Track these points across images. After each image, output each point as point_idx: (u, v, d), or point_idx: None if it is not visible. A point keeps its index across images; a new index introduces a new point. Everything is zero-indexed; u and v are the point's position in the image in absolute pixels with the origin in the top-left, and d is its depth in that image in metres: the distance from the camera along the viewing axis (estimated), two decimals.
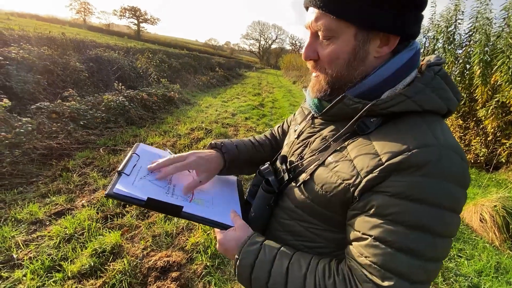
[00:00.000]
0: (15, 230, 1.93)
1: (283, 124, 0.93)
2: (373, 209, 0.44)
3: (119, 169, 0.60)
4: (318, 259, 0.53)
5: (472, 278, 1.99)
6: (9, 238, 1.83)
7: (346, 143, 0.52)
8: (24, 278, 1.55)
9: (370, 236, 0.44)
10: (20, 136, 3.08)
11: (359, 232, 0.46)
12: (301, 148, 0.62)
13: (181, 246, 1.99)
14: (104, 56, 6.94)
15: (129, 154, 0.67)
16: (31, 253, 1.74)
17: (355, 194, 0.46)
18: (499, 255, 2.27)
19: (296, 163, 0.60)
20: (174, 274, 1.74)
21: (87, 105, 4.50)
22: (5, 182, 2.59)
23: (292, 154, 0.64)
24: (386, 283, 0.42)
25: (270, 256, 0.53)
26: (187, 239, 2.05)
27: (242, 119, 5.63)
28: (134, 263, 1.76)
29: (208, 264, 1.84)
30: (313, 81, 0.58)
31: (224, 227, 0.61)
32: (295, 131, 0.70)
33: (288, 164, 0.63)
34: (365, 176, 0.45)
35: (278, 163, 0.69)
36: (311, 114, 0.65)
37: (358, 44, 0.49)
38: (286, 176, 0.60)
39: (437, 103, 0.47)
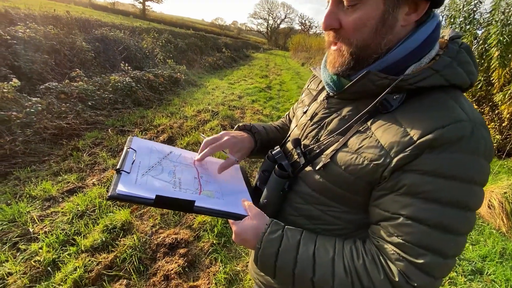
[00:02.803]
0: (30, 206, 2.01)
1: (289, 112, 0.92)
2: (403, 188, 0.44)
3: (117, 166, 0.55)
4: (342, 241, 0.52)
5: (476, 263, 2.00)
6: (25, 213, 1.91)
7: (368, 123, 0.50)
8: (40, 250, 1.63)
9: (402, 215, 0.44)
10: (31, 115, 3.13)
11: (388, 212, 0.46)
12: (316, 130, 0.60)
13: (189, 225, 2.05)
14: (110, 36, 6.84)
15: (124, 150, 0.62)
16: (46, 228, 1.82)
17: (384, 174, 0.45)
18: (506, 241, 2.26)
19: (312, 146, 0.59)
20: (181, 251, 1.80)
21: (94, 85, 4.50)
22: (19, 161, 2.68)
23: (306, 137, 0.62)
24: (420, 260, 0.42)
25: (294, 242, 0.52)
26: (194, 218, 2.10)
27: (248, 102, 5.57)
28: (144, 240, 1.83)
29: (214, 242, 1.89)
30: (333, 55, 0.53)
31: (238, 217, 0.58)
32: (304, 112, 0.68)
33: (302, 147, 0.61)
34: (395, 156, 0.44)
35: (288, 146, 0.68)
36: (326, 94, 0.62)
37: (388, 9, 0.45)
38: (302, 160, 0.58)
39: (463, 77, 0.46)
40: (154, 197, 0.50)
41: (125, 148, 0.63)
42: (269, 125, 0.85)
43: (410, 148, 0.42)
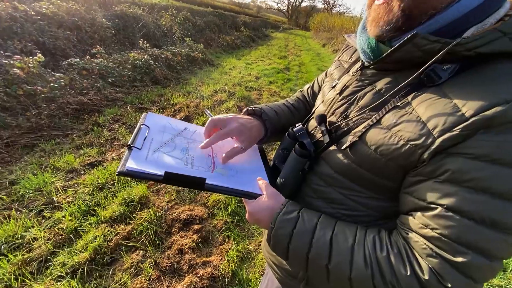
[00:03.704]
0: (55, 177, 2.11)
1: (313, 84, 0.83)
2: (446, 174, 0.38)
3: (129, 143, 0.54)
4: (365, 229, 0.48)
5: None
6: (50, 184, 2.00)
7: (409, 97, 0.43)
8: (63, 218, 1.72)
9: (441, 205, 0.38)
10: (55, 90, 3.22)
11: (424, 200, 0.40)
12: (345, 106, 0.54)
13: (203, 202, 2.08)
14: (129, 13, 6.81)
15: (137, 126, 0.61)
16: (69, 198, 1.91)
17: (423, 157, 0.39)
18: None
19: (339, 123, 0.53)
20: (196, 227, 1.84)
21: (114, 63, 4.55)
22: (44, 134, 2.79)
23: (333, 113, 0.56)
24: (459, 259, 0.36)
25: (310, 225, 0.48)
26: (209, 196, 2.13)
27: (266, 83, 5.43)
28: (159, 214, 1.88)
29: (228, 220, 1.91)
30: (377, 11, 0.45)
31: (253, 196, 0.56)
32: (332, 87, 0.61)
33: (328, 124, 0.55)
34: (439, 135, 0.37)
35: (312, 124, 0.62)
36: (359, 64, 0.55)
37: None
38: (326, 139, 0.53)
39: None
40: (163, 173, 0.48)
41: (139, 124, 0.62)
42: (282, 108, 0.77)
43: (460, 126, 0.35)
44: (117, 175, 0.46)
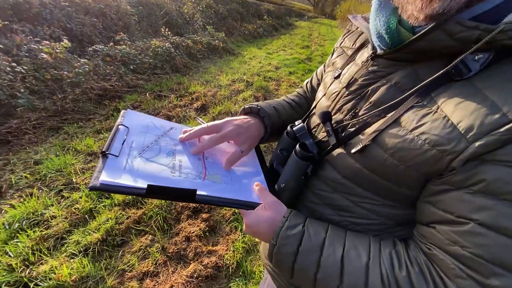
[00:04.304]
0: (75, 159, 2.21)
1: (311, 79, 0.76)
2: (481, 185, 0.33)
3: (103, 148, 0.46)
4: (378, 242, 0.43)
5: None
6: (70, 165, 2.10)
7: (433, 93, 0.37)
8: (80, 199, 1.80)
9: (473, 220, 0.33)
10: (80, 76, 3.35)
11: (451, 213, 0.35)
12: (353, 102, 0.47)
13: None
14: (153, 0, 6.88)
15: (115, 127, 0.53)
16: (86, 180, 2.00)
17: (452, 164, 0.34)
18: None
19: (346, 122, 0.47)
20: (204, 215, 1.85)
21: (136, 50, 4.64)
22: (68, 117, 2.93)
23: (339, 110, 0.49)
24: (494, 281, 0.32)
25: (317, 241, 0.43)
26: None
27: (285, 73, 5.30)
28: (169, 201, 1.92)
29: (236, 211, 1.91)
30: None
31: (250, 205, 0.49)
32: (335, 77, 0.54)
33: (333, 123, 0.49)
34: (475, 140, 0.32)
35: (313, 121, 0.55)
36: (370, 52, 0.48)
37: None
38: (332, 140, 0.47)
39: None
40: (145, 186, 0.41)
41: (116, 124, 0.53)
42: (282, 103, 0.71)
43: (501, 130, 0.30)
44: (89, 190, 0.41)
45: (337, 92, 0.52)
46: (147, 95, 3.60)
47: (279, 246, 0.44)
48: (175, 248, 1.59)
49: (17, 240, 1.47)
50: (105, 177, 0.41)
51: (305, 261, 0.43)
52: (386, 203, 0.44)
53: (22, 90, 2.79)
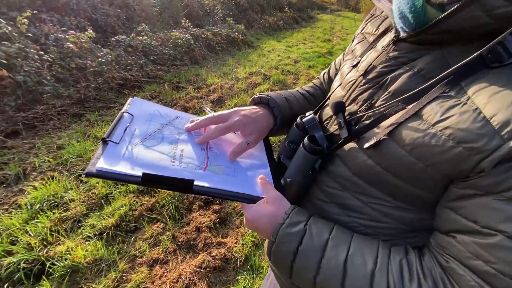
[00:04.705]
0: (94, 145, 2.28)
1: (329, 69, 0.71)
2: None
3: (104, 135, 0.45)
4: (388, 248, 0.39)
5: None
6: (90, 151, 2.18)
7: (463, 82, 0.32)
8: (97, 184, 1.86)
9: (502, 232, 0.29)
10: (102, 65, 3.45)
11: (476, 222, 0.31)
12: (370, 91, 0.43)
13: None
14: None
15: (119, 115, 0.51)
16: None
17: (481, 165, 0.29)
18: None
19: (361, 113, 0.42)
20: (215, 207, 1.86)
21: (157, 41, 4.71)
22: (91, 105, 3.03)
23: (353, 100, 0.45)
24: None
25: (319, 242, 0.40)
26: None
27: (304, 67, 5.18)
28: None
29: None
30: None
31: (252, 199, 0.47)
32: (353, 66, 0.49)
33: (347, 114, 0.45)
34: (511, 137, 0.27)
35: (326, 113, 0.51)
36: (392, 36, 0.43)
37: None
38: (343, 133, 0.43)
39: None
40: (141, 174, 0.40)
41: (121, 111, 0.53)
42: (295, 94, 0.66)
43: None
44: (84, 175, 0.41)
45: (353, 81, 0.47)
46: (166, 85, 3.65)
47: (278, 243, 0.42)
48: (185, 238, 1.61)
49: (37, 220, 1.55)
50: (102, 164, 0.40)
51: (304, 262, 0.40)
52: (400, 206, 0.40)
53: (48, 78, 2.91)
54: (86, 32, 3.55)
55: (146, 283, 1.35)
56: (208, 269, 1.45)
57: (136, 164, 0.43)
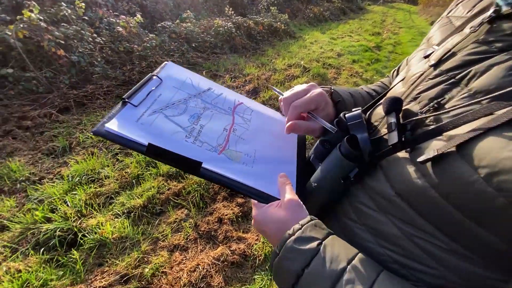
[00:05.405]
0: None
1: (399, 65, 0.59)
2: None
3: (125, 96, 0.43)
4: None
5: None
6: None
7: None
8: (131, 164, 1.94)
9: None
10: (147, 50, 3.59)
11: None
12: (442, 87, 0.32)
13: None
14: None
15: (147, 76, 0.48)
16: None
17: None
18: None
19: (422, 115, 0.32)
20: (239, 200, 1.82)
21: (200, 28, 4.77)
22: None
23: (415, 98, 0.35)
24: None
25: (332, 270, 0.31)
26: None
27: (348, 61, 4.84)
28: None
29: None
30: None
31: (264, 197, 0.41)
32: (425, 56, 0.38)
33: (402, 115, 0.35)
34: None
35: (377, 113, 0.41)
36: (487, 15, 0.31)
37: None
38: (393, 137, 0.33)
39: None
40: (146, 143, 0.37)
41: (150, 74, 0.49)
42: (361, 91, 0.56)
43: None
44: (92, 133, 0.38)
45: (419, 73, 0.36)
46: (204, 73, 3.69)
47: (281, 258, 0.34)
48: (207, 228, 1.60)
49: (75, 192, 1.67)
50: (111, 125, 0.38)
51: (309, 287, 0.32)
52: (457, 250, 0.29)
53: (99, 59, 3.11)
54: (134, 17, 3.70)
55: (165, 267, 1.37)
56: (226, 263, 1.42)
57: (147, 132, 0.40)
